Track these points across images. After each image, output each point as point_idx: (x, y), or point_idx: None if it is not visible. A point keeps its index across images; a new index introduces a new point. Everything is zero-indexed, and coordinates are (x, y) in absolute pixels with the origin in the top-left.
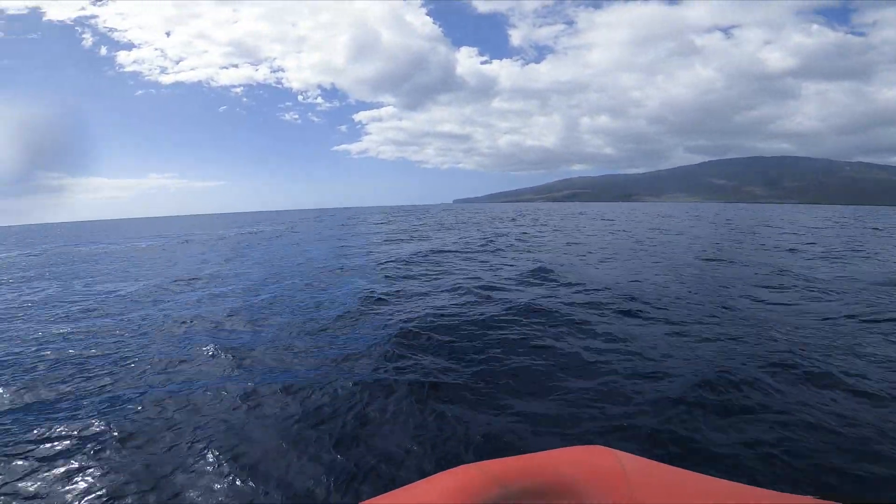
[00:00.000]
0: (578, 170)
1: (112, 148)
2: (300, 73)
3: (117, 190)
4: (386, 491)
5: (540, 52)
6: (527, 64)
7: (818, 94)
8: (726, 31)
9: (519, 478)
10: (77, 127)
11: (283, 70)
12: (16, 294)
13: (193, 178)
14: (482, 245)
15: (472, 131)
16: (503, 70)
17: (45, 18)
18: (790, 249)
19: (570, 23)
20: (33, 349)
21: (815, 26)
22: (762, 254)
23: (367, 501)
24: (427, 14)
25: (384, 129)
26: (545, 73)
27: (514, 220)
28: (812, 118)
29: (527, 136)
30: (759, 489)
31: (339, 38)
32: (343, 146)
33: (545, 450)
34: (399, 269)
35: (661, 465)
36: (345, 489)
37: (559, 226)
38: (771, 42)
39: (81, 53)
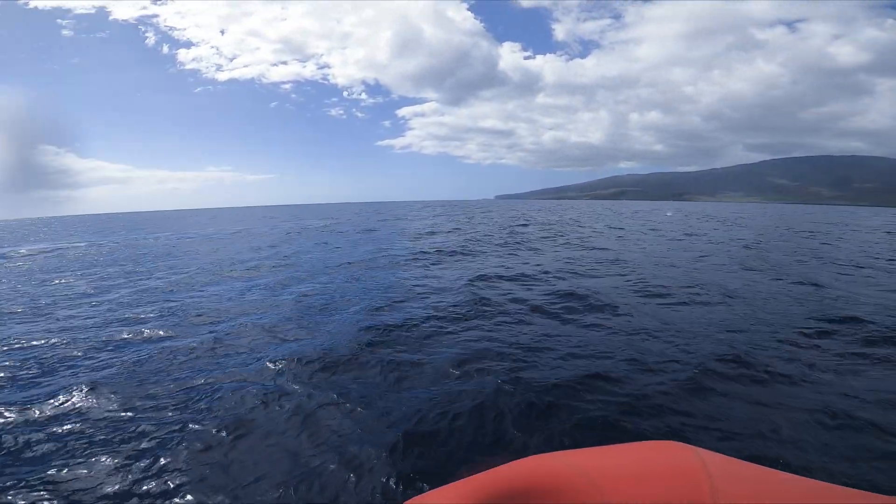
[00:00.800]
0: (626, 167)
1: (175, 142)
2: (345, 69)
3: (179, 182)
4: None
5: (585, 47)
6: (571, 59)
7: (893, 90)
8: (791, 25)
9: (601, 469)
10: (143, 122)
11: (328, 66)
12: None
13: (246, 171)
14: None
15: (515, 127)
16: (547, 65)
17: (111, 17)
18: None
19: (618, 17)
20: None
21: (889, 20)
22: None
23: (413, 500)
24: (468, 9)
25: (427, 125)
26: (591, 68)
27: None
28: (886, 115)
29: (571, 132)
30: (848, 489)
31: (382, 33)
32: (386, 141)
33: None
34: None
35: (745, 462)
36: None
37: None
38: (841, 36)
39: (145, 51)
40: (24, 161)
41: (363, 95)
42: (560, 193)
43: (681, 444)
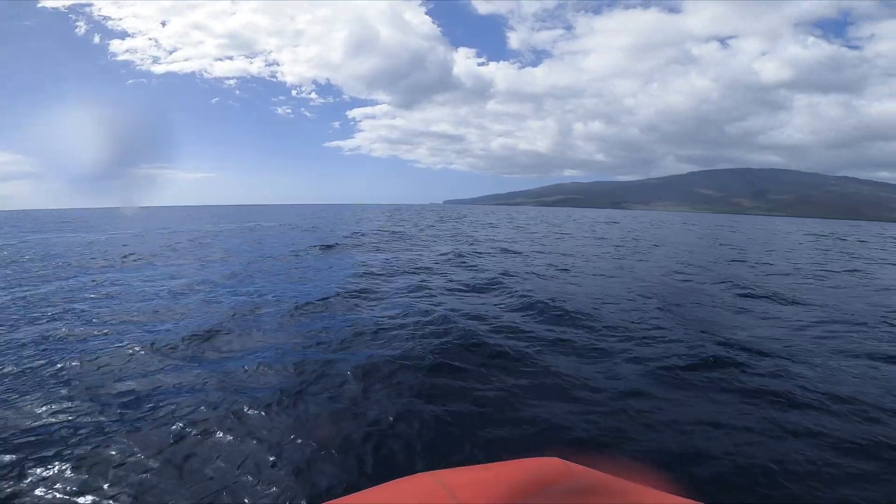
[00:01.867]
0: (570, 175)
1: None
2: (295, 67)
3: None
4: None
5: (537, 56)
6: (524, 67)
7: (809, 106)
8: (724, 41)
9: (472, 489)
10: (67, 115)
11: (277, 64)
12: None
13: (185, 168)
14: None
15: (466, 132)
16: (500, 72)
17: (39, 5)
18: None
19: (569, 27)
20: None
21: (811, 38)
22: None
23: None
24: (426, 13)
25: (377, 127)
26: (541, 76)
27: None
28: (802, 131)
29: (520, 140)
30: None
31: (337, 33)
32: (335, 142)
33: (500, 460)
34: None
35: (614, 478)
36: None
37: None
38: (767, 53)
39: (75, 41)
40: None
41: (313, 95)
42: (509, 199)
43: (556, 459)
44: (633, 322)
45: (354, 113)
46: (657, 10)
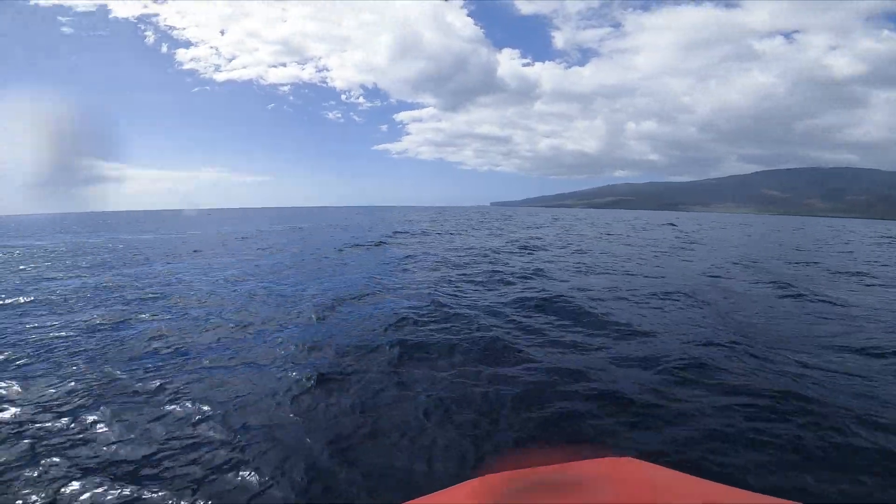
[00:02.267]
0: (621, 176)
1: (169, 142)
2: (343, 72)
3: (174, 182)
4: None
5: (584, 55)
6: (570, 67)
7: (889, 102)
8: (788, 35)
9: (544, 490)
10: (138, 122)
11: (327, 69)
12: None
13: (241, 172)
14: None
15: (512, 134)
16: (545, 72)
17: (111, 16)
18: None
19: (617, 25)
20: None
21: (885, 31)
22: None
23: None
24: (468, 15)
25: (424, 130)
26: (589, 76)
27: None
28: (881, 127)
29: (568, 140)
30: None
31: (382, 37)
32: (383, 145)
33: (573, 460)
34: None
35: (694, 478)
36: None
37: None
38: (837, 48)
39: (145, 50)
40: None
41: (361, 99)
42: (558, 201)
43: (632, 459)
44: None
45: (401, 116)
46: (711, 6)
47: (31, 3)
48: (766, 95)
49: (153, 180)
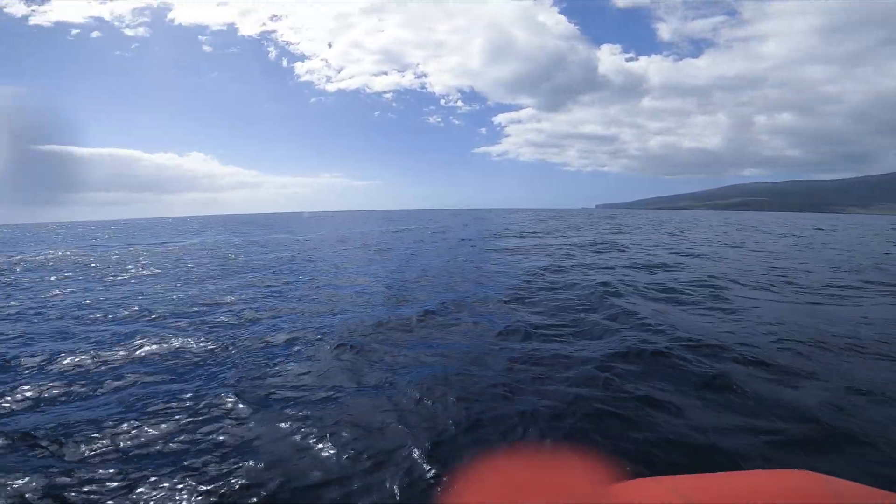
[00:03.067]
0: (750, 175)
1: (294, 150)
2: (440, 77)
3: (299, 187)
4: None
5: (696, 46)
6: (681, 59)
7: None
8: None
9: (712, 499)
10: (267, 132)
11: (425, 75)
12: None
13: (354, 177)
14: None
15: (619, 132)
16: (652, 66)
17: (239, 34)
18: None
19: (732, 13)
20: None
21: None
22: None
23: None
24: (560, 13)
25: (523, 131)
26: (704, 68)
27: None
28: None
29: (683, 137)
30: None
31: (475, 41)
32: (483, 148)
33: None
34: None
35: (885, 492)
36: None
37: None
38: None
39: (268, 65)
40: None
41: (459, 103)
42: (672, 203)
43: (811, 473)
44: None
45: (500, 118)
46: None
47: (176, 22)
48: None
49: (282, 185)
